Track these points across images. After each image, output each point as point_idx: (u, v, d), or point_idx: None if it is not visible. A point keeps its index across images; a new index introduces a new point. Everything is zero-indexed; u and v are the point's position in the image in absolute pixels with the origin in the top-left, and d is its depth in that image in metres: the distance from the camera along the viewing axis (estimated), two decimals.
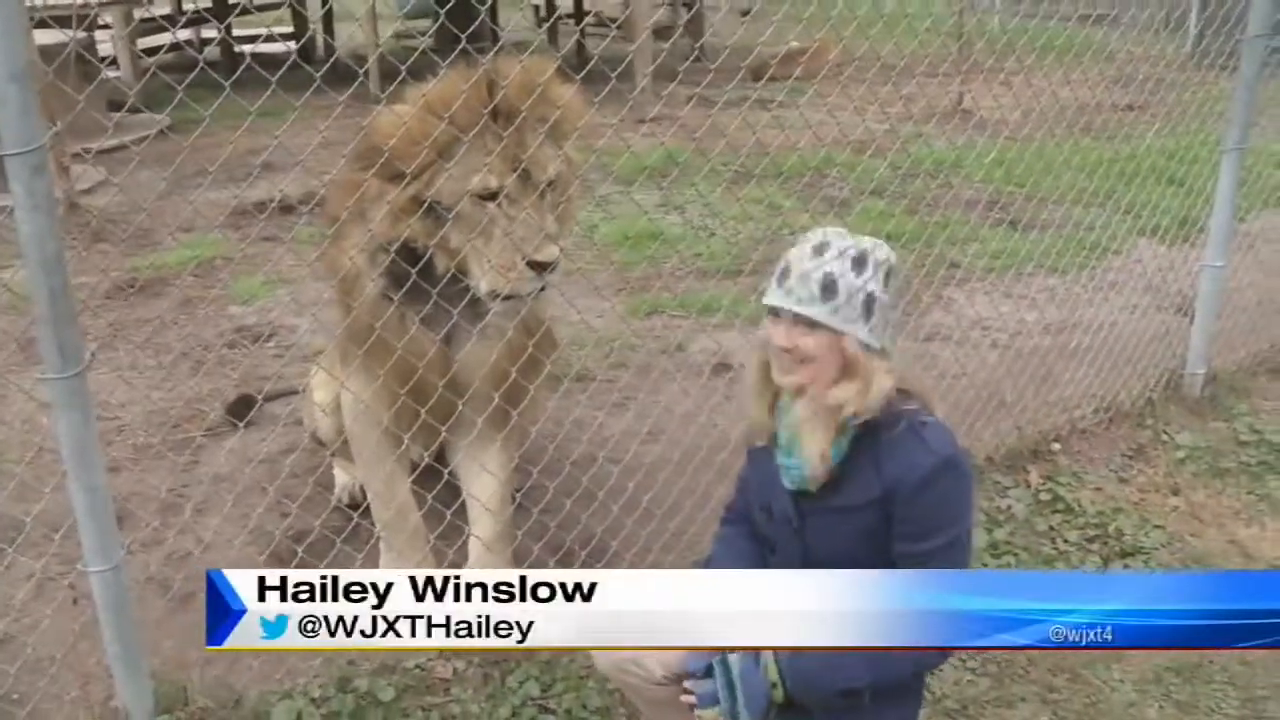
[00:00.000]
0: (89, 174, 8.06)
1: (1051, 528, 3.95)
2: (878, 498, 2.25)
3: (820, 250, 2.23)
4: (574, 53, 10.42)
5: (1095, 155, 6.79)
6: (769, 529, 2.48)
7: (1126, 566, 3.74)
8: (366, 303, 3.11)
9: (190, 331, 5.67)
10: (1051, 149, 6.72)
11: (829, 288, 2.19)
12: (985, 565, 3.71)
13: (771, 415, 2.41)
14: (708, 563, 2.62)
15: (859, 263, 2.21)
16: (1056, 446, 4.38)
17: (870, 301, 2.21)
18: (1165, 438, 4.54)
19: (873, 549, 2.28)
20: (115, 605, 2.74)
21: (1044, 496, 4.10)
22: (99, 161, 8.15)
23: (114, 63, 11.47)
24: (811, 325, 2.21)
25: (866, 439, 2.26)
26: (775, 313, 2.26)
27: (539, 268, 2.96)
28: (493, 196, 2.94)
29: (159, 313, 5.84)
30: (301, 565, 3.34)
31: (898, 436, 2.23)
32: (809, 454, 2.29)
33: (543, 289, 3.04)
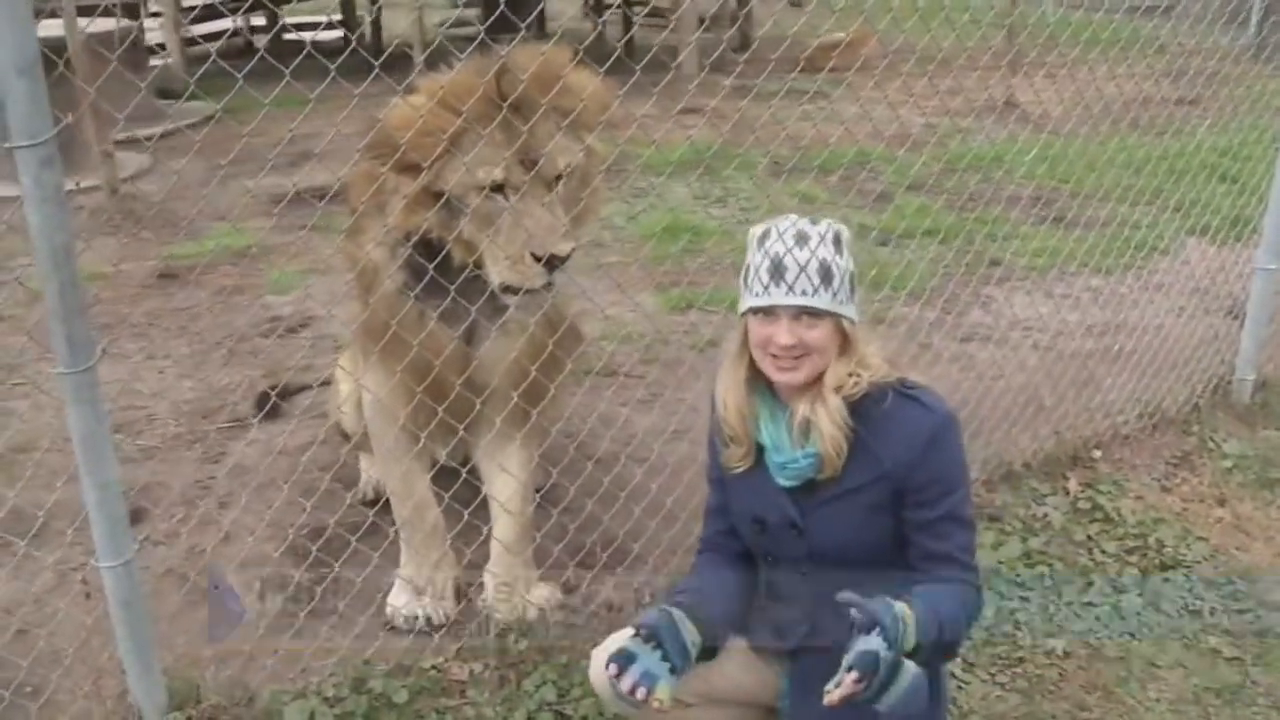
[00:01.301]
0: (134, 161, 8.10)
1: (1089, 537, 3.82)
2: (886, 471, 2.23)
3: (803, 240, 2.22)
4: (622, 41, 10.36)
5: (1144, 151, 6.61)
6: (764, 542, 2.42)
7: (1167, 580, 3.61)
8: (384, 297, 3.06)
9: (225, 321, 5.67)
10: (1098, 145, 6.54)
11: (827, 275, 2.20)
12: (1019, 575, 3.60)
13: (748, 427, 2.37)
14: (682, 591, 2.46)
15: (838, 243, 2.24)
16: (1097, 453, 4.25)
17: (852, 279, 2.25)
18: (1211, 446, 4.39)
19: (879, 528, 2.27)
20: (127, 600, 2.71)
21: (1082, 505, 3.97)
22: (144, 148, 8.20)
23: (163, 50, 11.55)
24: (816, 316, 2.21)
25: (857, 418, 2.24)
26: (767, 313, 2.24)
27: (547, 263, 2.88)
28: (501, 189, 2.88)
29: (195, 301, 5.85)
30: (317, 564, 3.33)
31: (891, 407, 2.23)
32: (830, 442, 2.25)
33: (549, 285, 2.95)
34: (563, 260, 2.89)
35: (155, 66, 10.44)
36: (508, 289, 2.95)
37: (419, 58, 8.34)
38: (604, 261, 6.17)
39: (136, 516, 3.82)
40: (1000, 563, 3.64)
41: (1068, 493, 4.03)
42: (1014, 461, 4.10)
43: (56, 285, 2.41)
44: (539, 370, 3.18)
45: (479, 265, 2.97)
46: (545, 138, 2.88)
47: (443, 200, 2.89)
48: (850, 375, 2.24)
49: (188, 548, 3.68)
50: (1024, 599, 3.52)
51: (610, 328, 4.81)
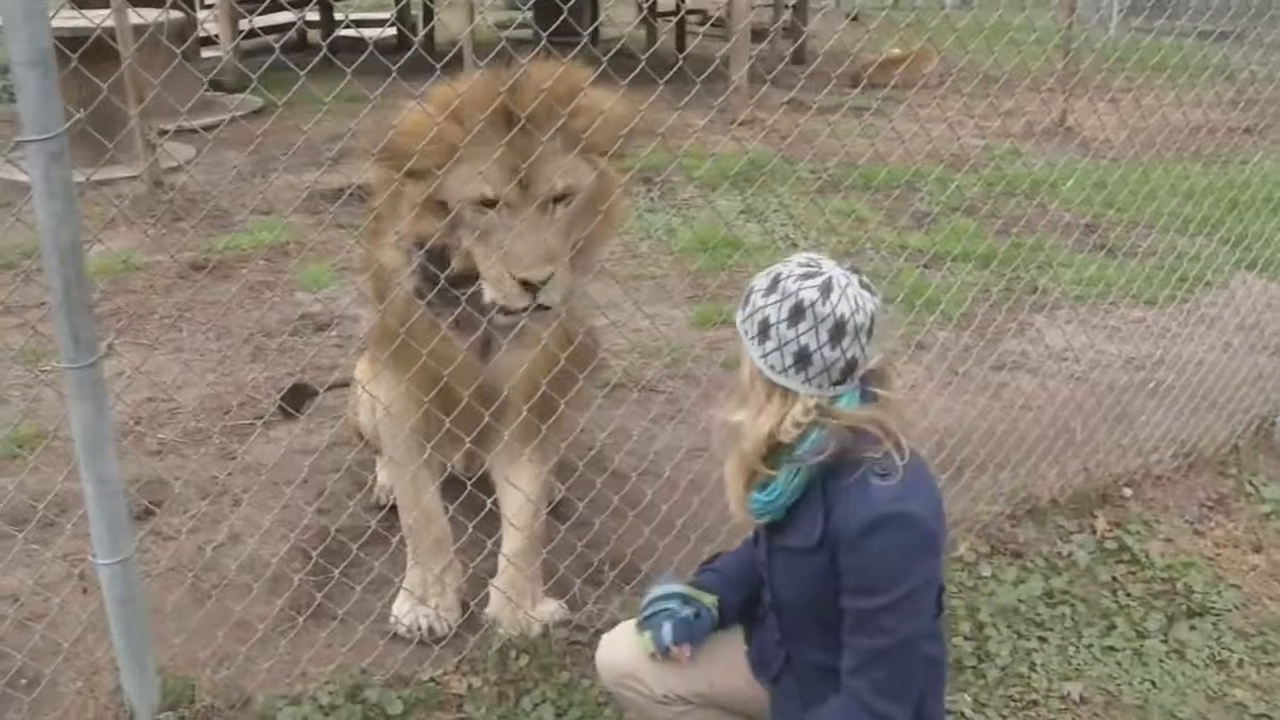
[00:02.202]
0: (180, 152, 8.22)
1: (1115, 579, 3.73)
2: (818, 543, 2.18)
3: (771, 289, 2.20)
4: (672, 50, 10.35)
5: (1204, 181, 6.49)
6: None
7: (1193, 628, 3.52)
8: (396, 302, 3.06)
9: (255, 316, 5.72)
10: (1157, 173, 6.44)
11: (745, 298, 2.24)
12: (1039, 614, 3.53)
13: None
14: (710, 567, 2.67)
15: (772, 286, 2.19)
16: (1128, 492, 4.16)
17: (765, 325, 2.17)
18: (1250, 489, 4.28)
19: (825, 593, 2.21)
20: (123, 598, 2.73)
21: (1109, 545, 3.88)
22: (189, 141, 8.32)
23: (215, 42, 11.71)
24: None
25: (826, 480, 2.19)
26: None
27: (528, 287, 2.85)
28: (491, 204, 2.86)
29: (226, 296, 5.90)
30: (316, 570, 3.34)
31: (851, 484, 2.15)
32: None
33: (542, 309, 2.91)
34: (544, 285, 2.84)
35: (207, 59, 10.61)
36: (496, 307, 2.93)
37: (469, 57, 8.39)
38: (638, 273, 6.17)
39: (146, 511, 3.86)
40: (1020, 601, 3.57)
41: (1095, 531, 3.95)
42: (1040, 496, 4.03)
43: (61, 281, 2.43)
44: (552, 385, 3.16)
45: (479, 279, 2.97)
46: (545, 157, 2.85)
47: (444, 208, 2.89)
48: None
49: (194, 546, 3.70)
50: (1042, 639, 3.45)
51: (635, 340, 4.79)
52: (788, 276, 2.16)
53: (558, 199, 2.91)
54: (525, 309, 2.90)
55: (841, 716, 2.19)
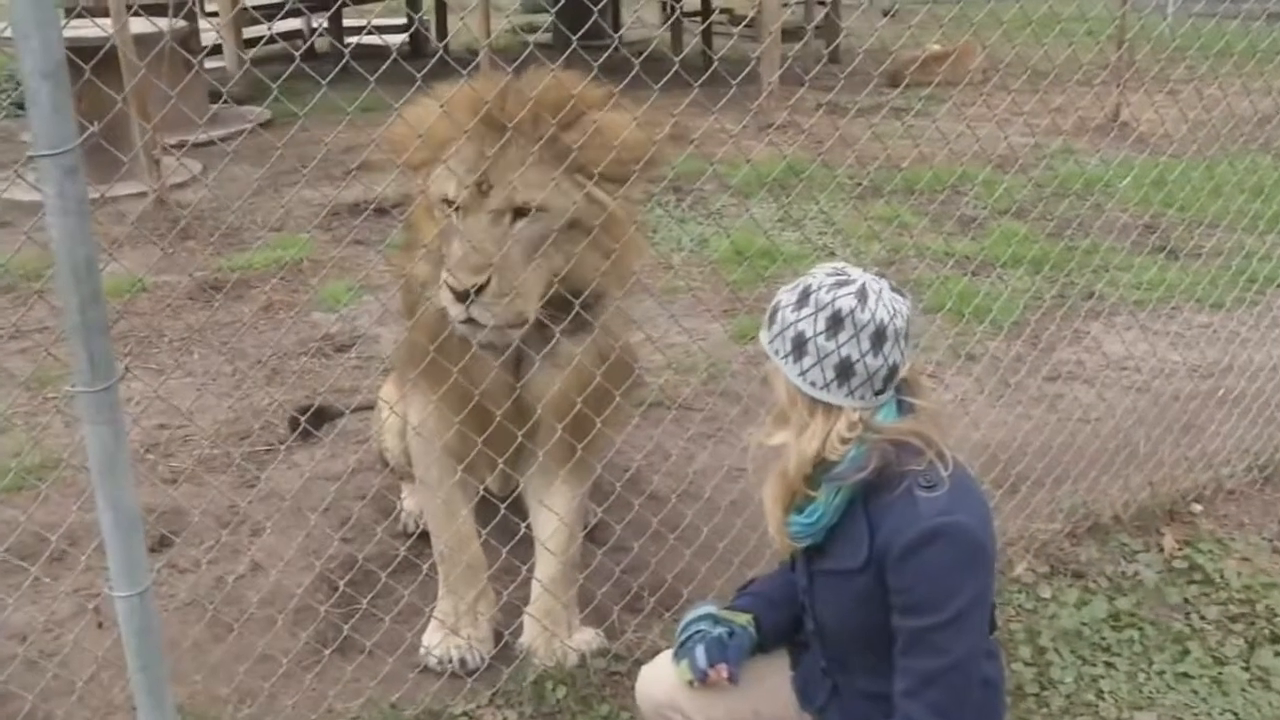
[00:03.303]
0: (183, 167, 8.31)
1: (1186, 600, 3.71)
2: (864, 563, 2.20)
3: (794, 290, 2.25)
4: (698, 54, 10.38)
5: (1275, 175, 6.44)
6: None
7: (1278, 654, 3.48)
8: (425, 317, 3.10)
9: (270, 338, 5.78)
10: (1222, 167, 6.40)
11: (771, 316, 2.26)
12: (1105, 638, 3.52)
13: None
14: (748, 591, 2.70)
15: (802, 299, 2.21)
16: (1197, 508, 4.14)
17: (801, 340, 2.19)
18: None
19: (872, 616, 2.23)
20: (141, 632, 2.74)
21: (1179, 564, 3.86)
22: (195, 155, 8.41)
23: (218, 52, 11.83)
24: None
25: (868, 497, 2.21)
26: None
27: (456, 294, 2.85)
28: (453, 206, 2.91)
29: (240, 317, 5.97)
30: (345, 598, 3.37)
31: (896, 498, 2.17)
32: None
33: (471, 322, 2.89)
34: (474, 295, 2.83)
35: (211, 69, 10.72)
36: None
37: (483, 61, 8.47)
38: (672, 286, 6.19)
39: (162, 542, 3.90)
40: (1084, 624, 3.55)
41: (1162, 550, 3.93)
42: (1102, 513, 4.01)
43: (77, 301, 2.46)
44: (587, 403, 3.18)
45: None
46: (511, 165, 2.87)
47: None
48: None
49: (214, 577, 3.74)
50: (1109, 665, 3.42)
51: (671, 355, 4.81)
52: (819, 288, 2.19)
53: (519, 212, 2.91)
54: (463, 322, 2.90)
55: None
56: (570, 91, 2.92)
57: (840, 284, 2.18)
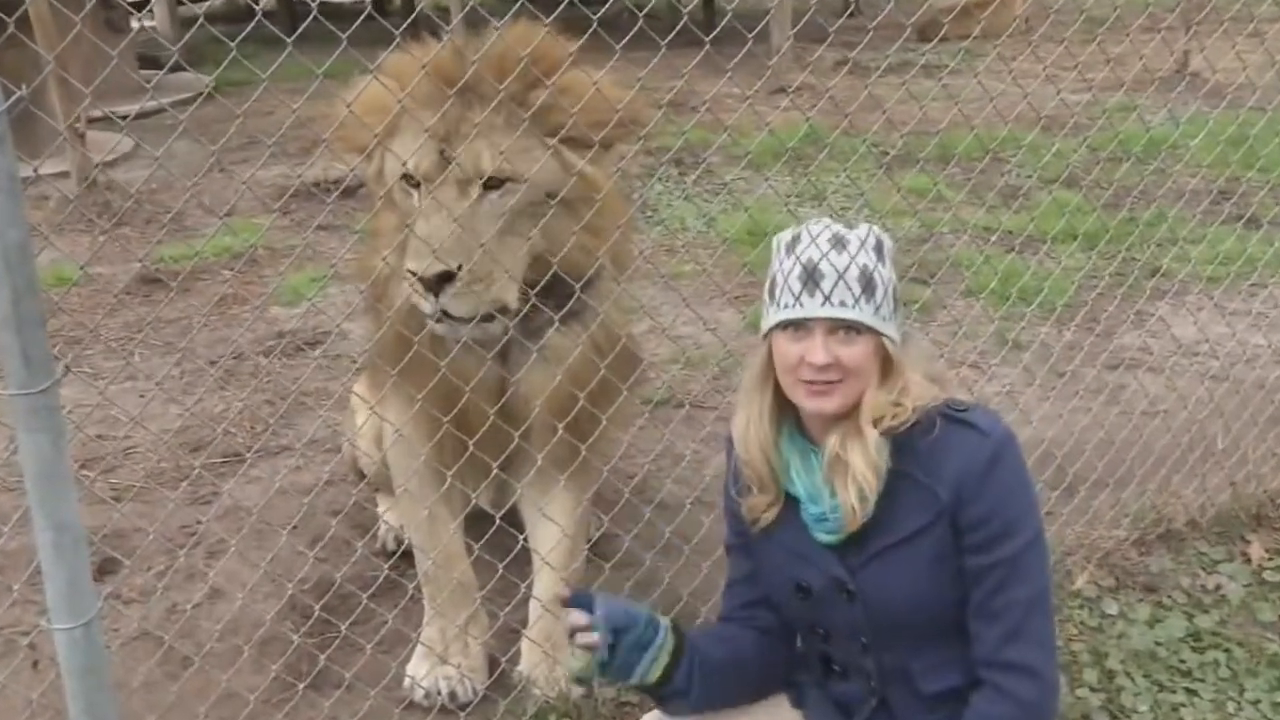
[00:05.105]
0: (111, 143, 8.28)
1: None
2: (944, 506, 2.24)
3: (840, 244, 2.26)
4: (700, 8, 10.42)
5: None
6: (810, 612, 2.43)
7: None
8: (401, 311, 3.10)
9: (222, 335, 5.79)
10: None
11: (869, 285, 2.24)
12: (1184, 661, 3.51)
13: (775, 471, 2.39)
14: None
15: (879, 250, 2.28)
16: None
17: (895, 294, 2.28)
18: None
19: (944, 583, 2.28)
20: (84, 671, 2.67)
21: (1270, 576, 3.87)
22: (127, 129, 8.38)
23: (149, 11, 11.78)
24: (855, 331, 2.24)
25: (903, 453, 2.26)
26: (798, 327, 2.26)
27: (422, 282, 2.84)
28: (414, 184, 2.93)
29: (187, 312, 5.98)
30: (319, 625, 3.39)
31: (941, 434, 2.25)
32: (855, 488, 2.26)
33: (448, 317, 2.90)
34: (443, 283, 2.83)
35: (138, 30, 10.66)
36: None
37: (455, 20, 8.48)
38: (677, 271, 6.21)
39: (105, 568, 3.89)
40: (1158, 644, 3.55)
41: (1248, 560, 3.94)
42: (1175, 518, 4.02)
43: (10, 291, 2.46)
44: (588, 401, 3.19)
45: None
46: (479, 131, 2.86)
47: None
48: (894, 405, 2.26)
49: (166, 606, 3.74)
50: (1191, 692, 3.40)
51: (679, 349, 4.84)
52: (813, 238, 2.27)
53: (488, 184, 2.92)
54: (433, 317, 2.91)
55: (1005, 700, 2.24)
56: (533, 43, 2.92)
57: (818, 228, 2.29)
